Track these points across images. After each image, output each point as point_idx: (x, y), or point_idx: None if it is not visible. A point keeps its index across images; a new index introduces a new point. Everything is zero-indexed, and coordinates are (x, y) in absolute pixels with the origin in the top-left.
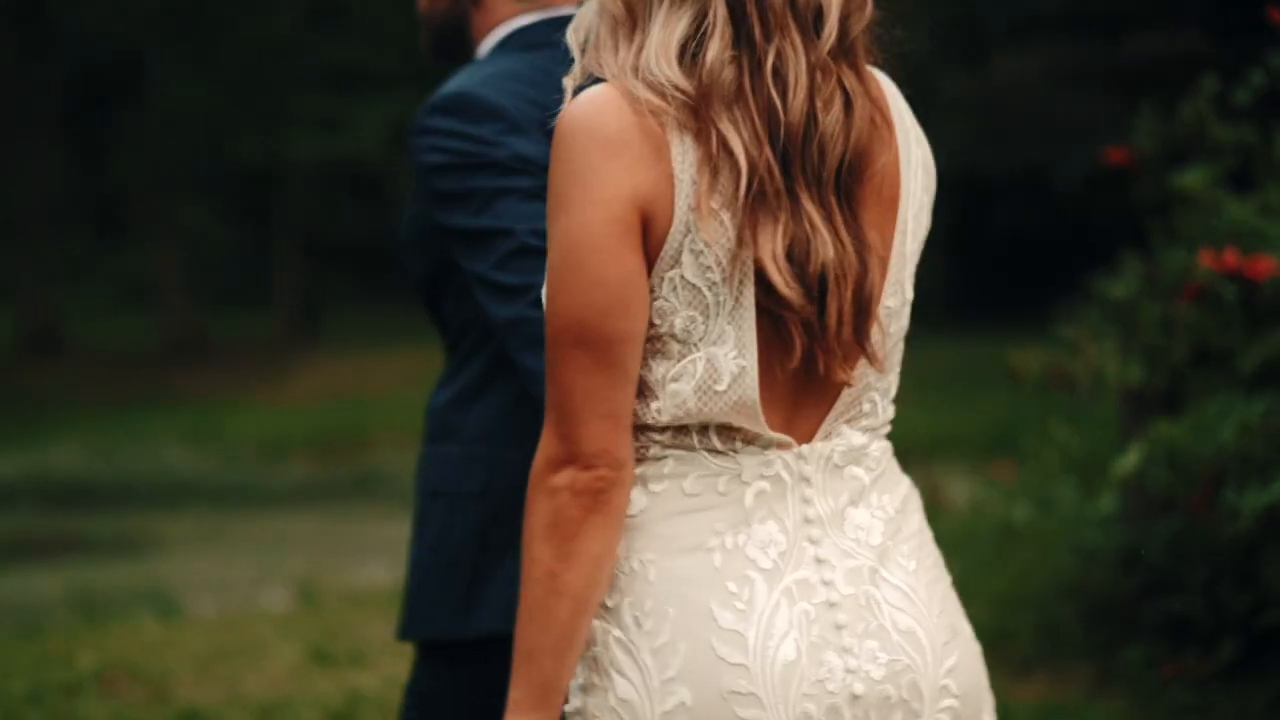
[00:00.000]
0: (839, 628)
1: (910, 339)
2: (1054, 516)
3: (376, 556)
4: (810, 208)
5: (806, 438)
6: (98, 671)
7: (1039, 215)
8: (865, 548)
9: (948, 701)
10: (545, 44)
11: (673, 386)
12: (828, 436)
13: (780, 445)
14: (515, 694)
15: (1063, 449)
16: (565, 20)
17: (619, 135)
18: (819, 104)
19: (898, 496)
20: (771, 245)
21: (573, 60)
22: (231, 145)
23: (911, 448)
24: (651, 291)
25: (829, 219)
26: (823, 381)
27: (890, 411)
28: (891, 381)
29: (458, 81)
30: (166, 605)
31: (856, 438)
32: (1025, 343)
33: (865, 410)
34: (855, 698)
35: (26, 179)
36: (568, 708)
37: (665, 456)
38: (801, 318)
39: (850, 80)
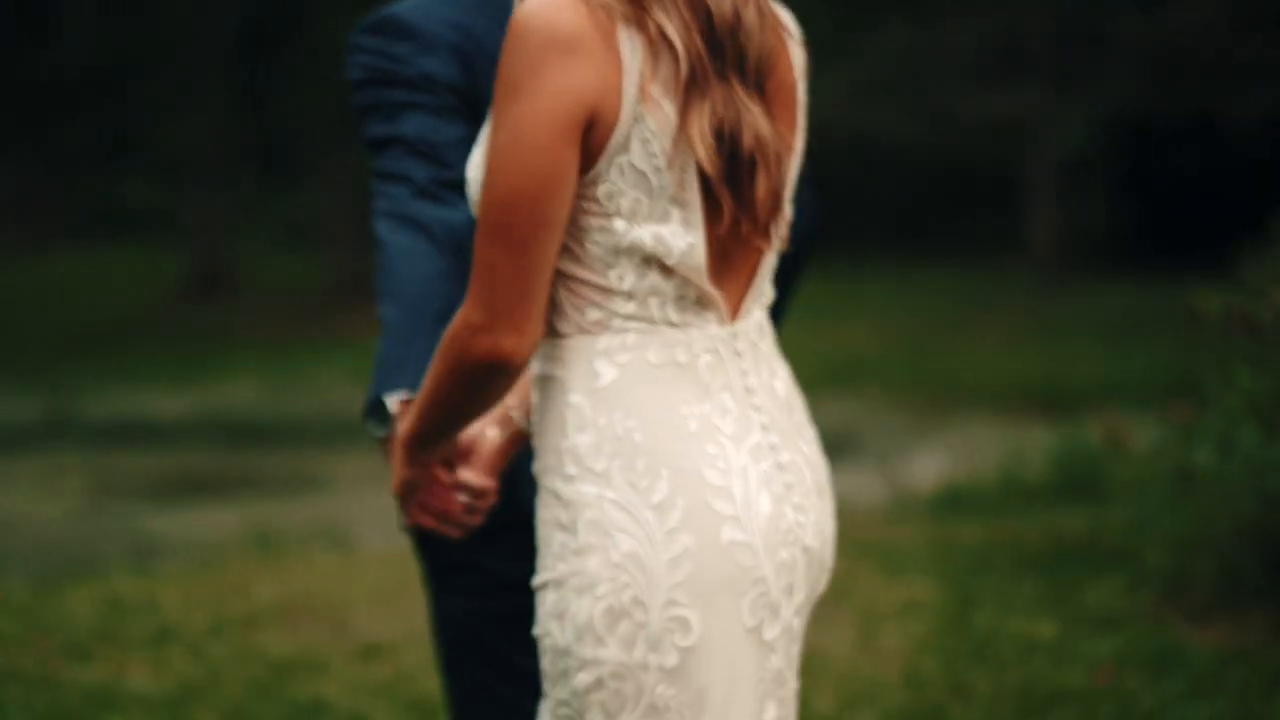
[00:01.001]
0: (789, 487)
1: (1086, 282)
2: (1235, 460)
3: None
4: (739, 91)
5: (733, 316)
6: (277, 605)
7: (1215, 158)
8: (788, 416)
9: (830, 549)
10: None
11: (629, 257)
12: (747, 315)
13: (721, 319)
14: (411, 441)
15: (1245, 393)
16: None
17: (575, 33)
18: (740, 3)
19: (785, 369)
20: (699, 124)
21: None
22: None
23: (1090, 390)
24: (600, 176)
25: (753, 104)
26: (740, 264)
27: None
28: (772, 264)
29: (394, 6)
30: (340, 541)
31: (760, 315)
32: (1202, 286)
33: (764, 290)
34: (807, 549)
35: (195, 120)
36: (562, 569)
37: (628, 330)
38: (731, 191)
39: None
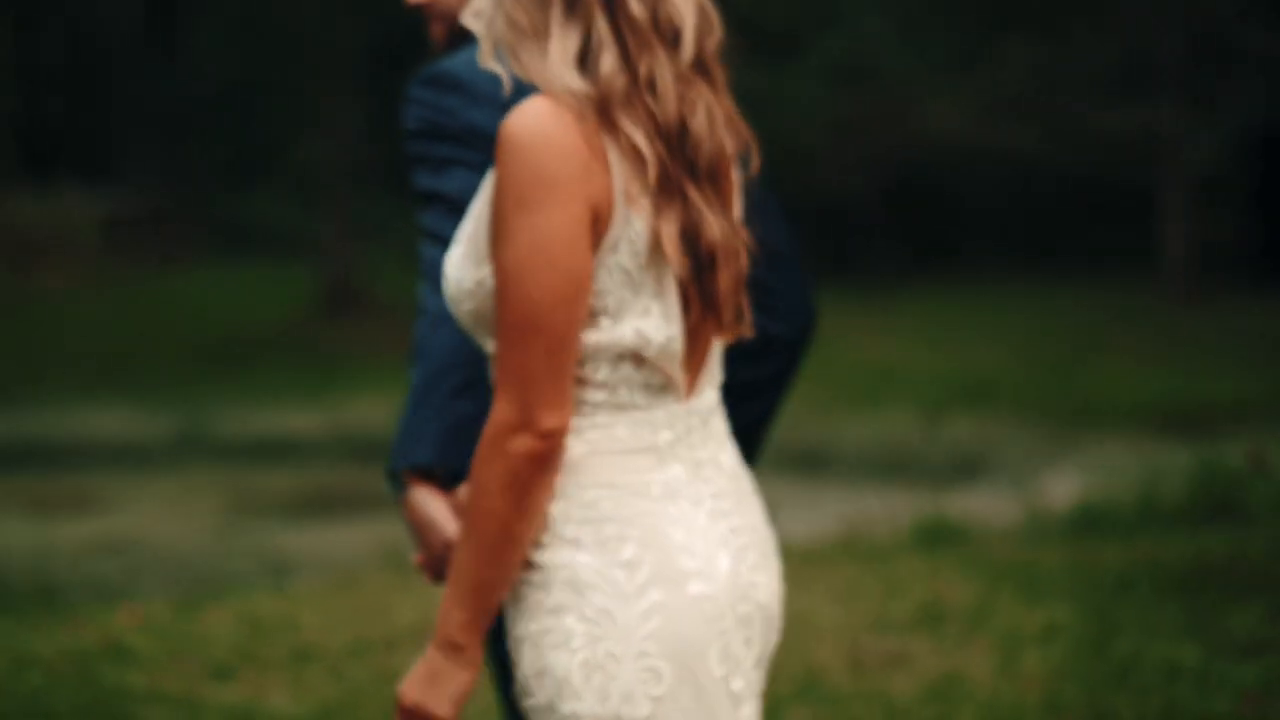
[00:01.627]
0: (743, 548)
1: (1219, 298)
2: None
3: None
4: (695, 196)
5: (689, 395)
6: (415, 627)
7: None
8: (735, 486)
9: (779, 609)
10: None
11: (607, 352)
12: (700, 394)
13: (679, 398)
14: (464, 617)
15: None
16: None
17: (572, 144)
18: (686, 109)
19: (731, 445)
20: (668, 227)
21: None
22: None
23: (1227, 409)
24: (593, 276)
25: (710, 206)
26: (696, 349)
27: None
28: (720, 348)
29: (448, 59)
30: None
31: (712, 395)
32: None
33: (715, 372)
34: (761, 606)
35: (327, 138)
36: (532, 627)
37: (599, 410)
38: (697, 289)
39: (705, 90)
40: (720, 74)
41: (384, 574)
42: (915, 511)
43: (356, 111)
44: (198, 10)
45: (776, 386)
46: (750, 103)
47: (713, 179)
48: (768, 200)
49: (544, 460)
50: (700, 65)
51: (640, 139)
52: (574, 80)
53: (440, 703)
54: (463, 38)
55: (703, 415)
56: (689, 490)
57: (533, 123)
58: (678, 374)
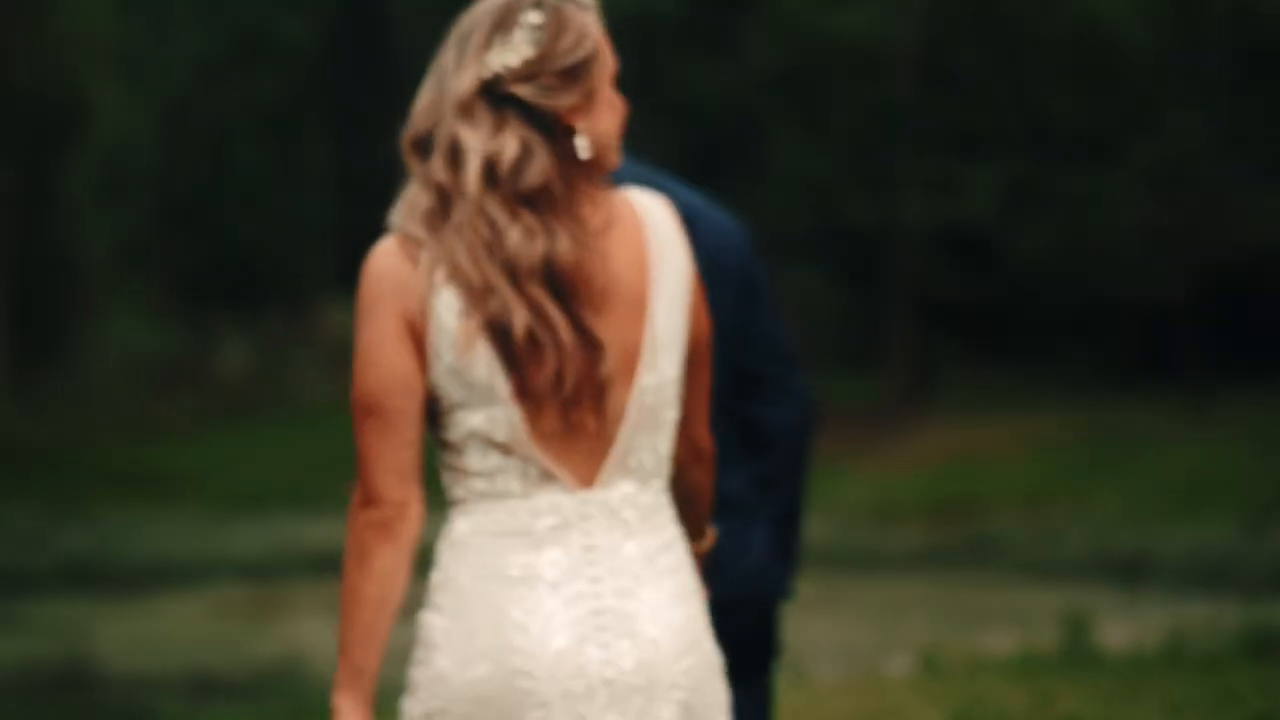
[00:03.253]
0: (600, 629)
1: None
2: None
3: (998, 623)
4: (513, 294)
5: (585, 485)
6: None
7: None
8: (630, 574)
9: (678, 695)
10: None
11: (473, 441)
12: (606, 485)
13: (568, 489)
14: (337, 676)
15: None
16: None
17: (389, 270)
18: (509, 234)
19: (662, 537)
20: (469, 325)
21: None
22: (843, 208)
23: None
24: (434, 380)
25: (533, 308)
26: (589, 442)
27: (662, 466)
28: (659, 443)
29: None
30: (792, 668)
31: (629, 487)
32: None
33: (633, 465)
34: (608, 682)
35: None
36: (409, 674)
37: (483, 497)
38: (515, 379)
39: (529, 219)
40: (572, 194)
41: None
42: (1240, 621)
43: None
44: None
45: (791, 475)
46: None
47: (555, 291)
48: (768, 297)
49: (382, 530)
50: (526, 198)
51: (464, 261)
52: (405, 223)
53: None
54: None
55: (608, 506)
56: (560, 574)
57: (369, 257)
58: (542, 460)
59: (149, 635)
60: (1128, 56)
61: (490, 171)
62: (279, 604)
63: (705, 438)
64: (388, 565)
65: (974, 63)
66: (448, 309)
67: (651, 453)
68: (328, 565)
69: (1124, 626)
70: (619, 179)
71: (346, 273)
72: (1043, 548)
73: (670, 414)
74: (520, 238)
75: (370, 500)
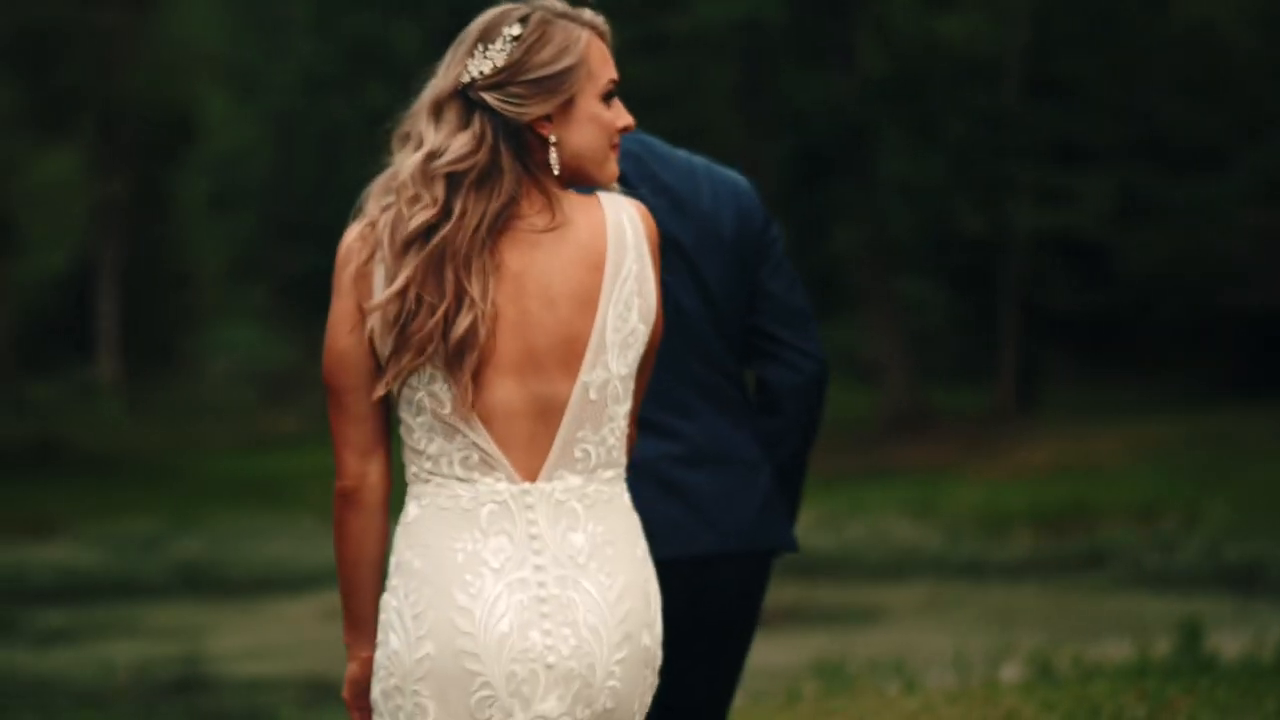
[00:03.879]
0: (544, 616)
1: None
2: None
3: (1110, 632)
4: (405, 269)
5: (528, 478)
6: None
7: None
8: (573, 564)
9: (612, 683)
10: None
11: (417, 420)
12: (549, 479)
13: (511, 478)
14: (344, 623)
15: None
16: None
17: (351, 257)
18: (417, 213)
19: (611, 528)
20: (385, 313)
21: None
22: (952, 217)
23: None
24: (391, 358)
25: (422, 280)
26: (535, 438)
27: (611, 456)
28: (605, 436)
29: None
30: (905, 675)
31: (574, 479)
32: None
33: (578, 457)
34: (549, 666)
35: None
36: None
37: (430, 480)
38: (446, 364)
39: (444, 201)
40: (525, 195)
41: (816, 687)
42: None
43: (777, 227)
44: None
45: (796, 432)
46: (1179, 214)
47: (454, 267)
48: (778, 259)
49: (348, 498)
50: (453, 183)
51: (389, 253)
52: (369, 208)
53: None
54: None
55: (552, 498)
56: (504, 560)
57: (341, 244)
58: (488, 445)
59: (263, 639)
60: (1239, 63)
61: (428, 160)
62: None
63: (633, 426)
64: (356, 530)
65: (1082, 69)
66: (379, 287)
67: (598, 445)
68: None
69: (1238, 635)
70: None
71: None
72: (1155, 557)
73: (619, 409)
74: (415, 213)
75: (338, 474)
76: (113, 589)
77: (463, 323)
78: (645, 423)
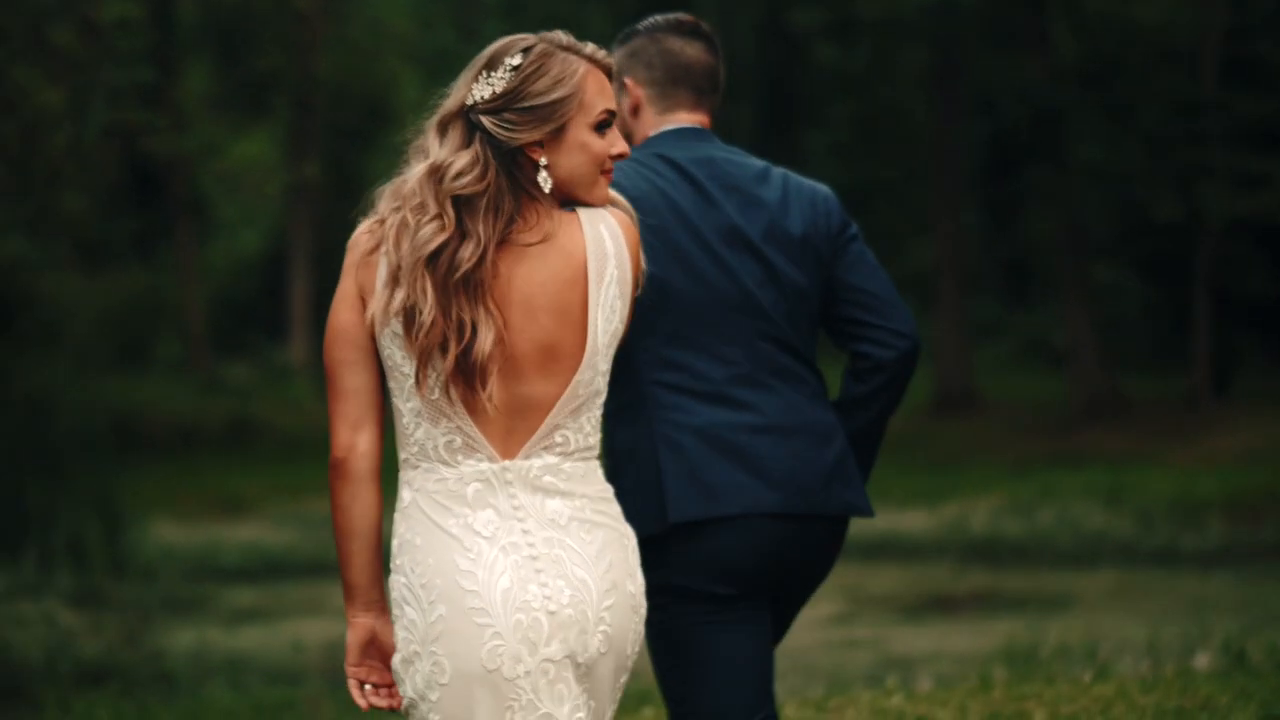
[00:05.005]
0: (538, 571)
1: None
2: None
3: None
4: (405, 280)
5: (508, 457)
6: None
7: None
8: (555, 526)
9: (603, 628)
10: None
11: (407, 405)
12: (528, 457)
13: (492, 459)
14: (343, 591)
15: None
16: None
17: (361, 247)
18: (423, 227)
19: (585, 493)
20: (392, 306)
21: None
22: (1146, 203)
23: None
24: (383, 342)
25: (421, 294)
26: (515, 424)
27: (587, 441)
28: (584, 423)
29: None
30: (1097, 662)
31: (551, 459)
32: None
33: (558, 441)
34: (551, 614)
35: (942, 239)
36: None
37: (419, 466)
38: (422, 359)
39: (448, 219)
40: (517, 214)
41: (1012, 674)
42: None
43: (967, 215)
44: (815, 121)
45: (880, 399)
46: None
47: (471, 290)
48: (863, 255)
49: (337, 469)
50: (456, 201)
51: (392, 248)
52: (381, 206)
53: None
54: None
55: (528, 475)
56: (494, 529)
57: (355, 233)
58: (471, 433)
59: None
60: None
61: (432, 174)
62: None
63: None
64: (346, 500)
65: (1278, 54)
66: (380, 279)
67: (576, 432)
68: None
69: None
70: (678, 150)
71: None
72: None
73: (599, 399)
74: (430, 232)
75: (331, 445)
76: (303, 568)
77: (485, 340)
78: (717, 396)
